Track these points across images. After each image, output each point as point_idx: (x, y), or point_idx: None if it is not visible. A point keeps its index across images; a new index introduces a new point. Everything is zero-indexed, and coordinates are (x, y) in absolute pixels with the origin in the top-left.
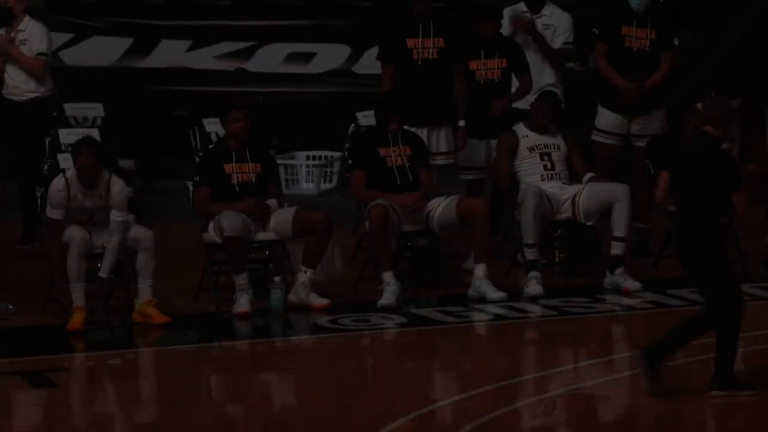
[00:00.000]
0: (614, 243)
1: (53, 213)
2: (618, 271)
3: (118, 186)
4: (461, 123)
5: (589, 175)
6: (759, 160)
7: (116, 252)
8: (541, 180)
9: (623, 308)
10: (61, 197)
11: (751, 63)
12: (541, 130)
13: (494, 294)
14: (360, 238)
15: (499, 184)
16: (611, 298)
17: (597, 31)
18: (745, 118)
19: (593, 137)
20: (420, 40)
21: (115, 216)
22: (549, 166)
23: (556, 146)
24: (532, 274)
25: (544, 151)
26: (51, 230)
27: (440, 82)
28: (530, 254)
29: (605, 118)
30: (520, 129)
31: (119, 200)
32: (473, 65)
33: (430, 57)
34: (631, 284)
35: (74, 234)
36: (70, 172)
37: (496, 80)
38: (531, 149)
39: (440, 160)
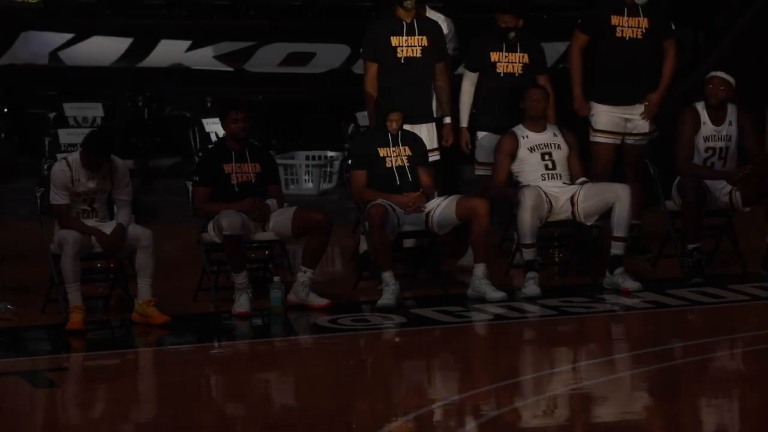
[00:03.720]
0: (614, 243)
1: (59, 198)
2: (618, 271)
3: (120, 166)
4: (447, 120)
5: (582, 179)
6: (758, 160)
7: (128, 219)
8: (542, 180)
9: (623, 308)
10: (66, 177)
11: (751, 63)
12: (540, 128)
13: (494, 294)
14: (359, 239)
15: (491, 186)
16: (611, 298)
17: (580, 21)
18: (741, 117)
19: (592, 139)
20: (404, 38)
21: (119, 195)
22: (550, 166)
23: (556, 145)
24: (530, 274)
25: (544, 150)
26: (61, 214)
27: (424, 80)
28: (528, 254)
29: (604, 117)
30: (520, 130)
31: (123, 180)
32: (494, 57)
33: (414, 55)
34: (631, 284)
35: (68, 235)
36: (73, 157)
37: (516, 75)
38: (531, 149)
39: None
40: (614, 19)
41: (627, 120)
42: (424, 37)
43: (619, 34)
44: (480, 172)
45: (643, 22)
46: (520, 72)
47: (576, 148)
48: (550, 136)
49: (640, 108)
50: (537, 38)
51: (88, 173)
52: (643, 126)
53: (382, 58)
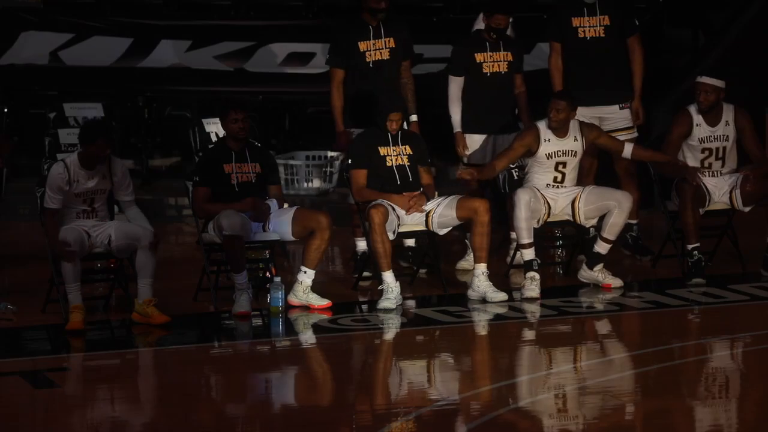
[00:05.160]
0: (601, 243)
1: (51, 202)
2: (598, 267)
3: (119, 165)
4: (413, 117)
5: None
6: (758, 161)
7: (140, 214)
8: (546, 187)
9: (623, 308)
10: (62, 180)
11: (751, 63)
12: (562, 133)
13: (494, 294)
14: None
15: (487, 167)
16: (611, 298)
17: (546, 31)
18: (739, 117)
19: None
20: (371, 42)
21: (122, 197)
22: (559, 178)
23: (572, 153)
24: (530, 274)
25: (560, 159)
26: (47, 221)
27: (395, 81)
28: (527, 255)
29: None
30: (545, 131)
31: (123, 180)
32: (479, 58)
33: (383, 58)
34: (612, 280)
35: (68, 234)
36: (71, 158)
37: (503, 73)
38: (549, 156)
39: None
40: (575, 21)
41: (601, 119)
42: (391, 39)
43: (581, 35)
44: None
45: (604, 20)
46: (505, 70)
47: (602, 134)
48: (570, 141)
49: (613, 108)
50: (518, 37)
51: (87, 173)
52: (618, 124)
53: (351, 64)
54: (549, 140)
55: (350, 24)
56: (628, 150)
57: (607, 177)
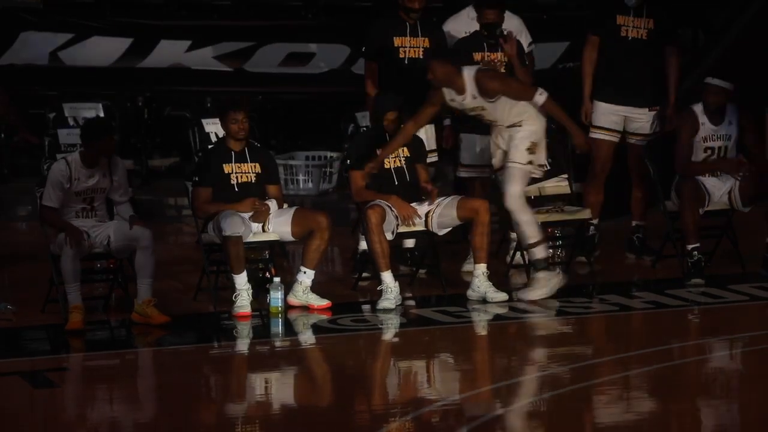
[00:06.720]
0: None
1: (49, 200)
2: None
3: (120, 165)
4: (447, 121)
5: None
6: (758, 160)
7: (131, 213)
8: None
9: (622, 308)
10: (63, 178)
11: (751, 63)
12: (460, 90)
13: (494, 294)
14: (359, 238)
15: None
16: (611, 298)
17: (589, 22)
18: (743, 116)
19: (591, 135)
20: (408, 38)
21: (117, 197)
22: (487, 119)
23: (481, 108)
24: (541, 274)
25: (474, 114)
26: (49, 215)
27: (424, 82)
28: (538, 252)
29: (603, 115)
30: (447, 91)
31: (122, 180)
32: (477, 57)
33: (416, 56)
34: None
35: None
36: (72, 156)
37: None
38: (462, 112)
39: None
40: (619, 19)
41: (628, 119)
42: (426, 39)
43: (623, 34)
44: (463, 174)
45: (649, 22)
46: (502, 71)
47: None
48: (468, 99)
49: (642, 110)
50: (528, 34)
51: (89, 171)
52: (645, 127)
53: (384, 58)
54: (453, 100)
55: (388, 19)
56: (539, 99)
57: (610, 178)
